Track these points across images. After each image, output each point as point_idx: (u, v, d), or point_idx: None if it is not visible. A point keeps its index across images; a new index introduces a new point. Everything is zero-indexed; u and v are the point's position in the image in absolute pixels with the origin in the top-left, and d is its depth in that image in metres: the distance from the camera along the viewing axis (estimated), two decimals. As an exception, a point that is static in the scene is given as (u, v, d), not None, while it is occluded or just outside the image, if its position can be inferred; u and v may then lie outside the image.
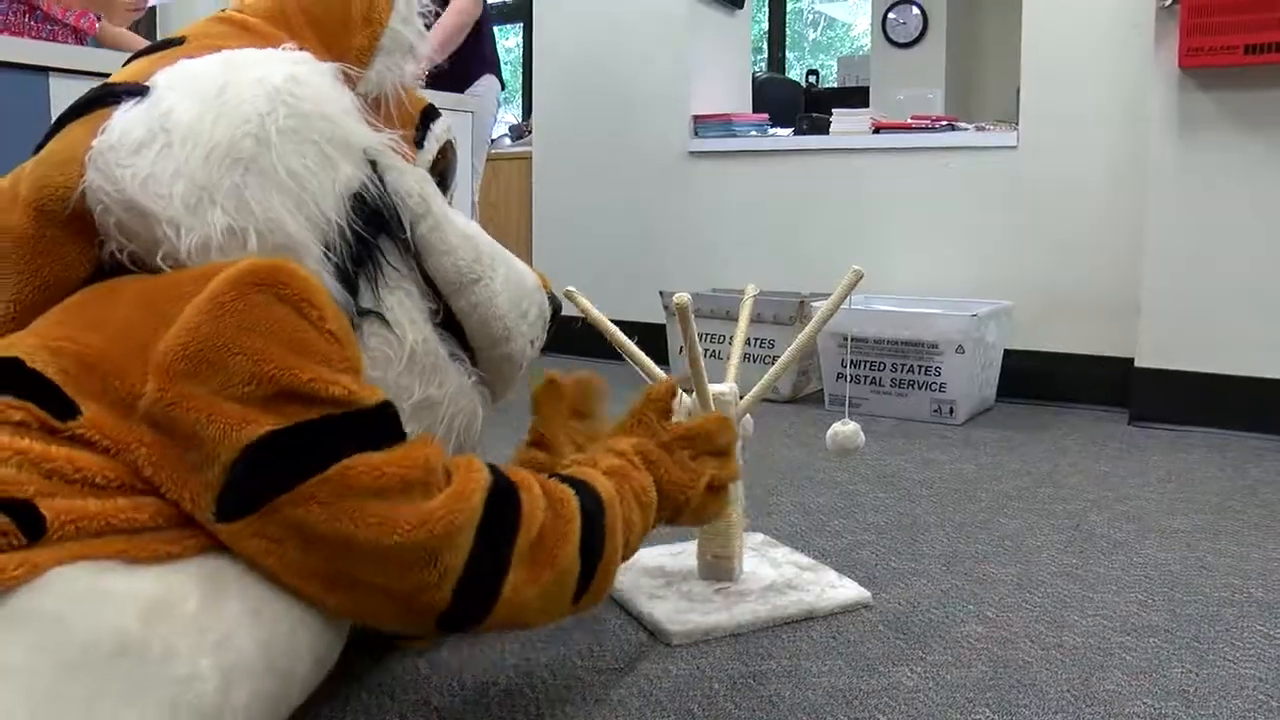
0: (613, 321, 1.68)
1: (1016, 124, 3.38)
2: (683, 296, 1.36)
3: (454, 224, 1.20)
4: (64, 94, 1.93)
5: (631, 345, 1.67)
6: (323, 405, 0.92)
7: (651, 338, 3.46)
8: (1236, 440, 2.74)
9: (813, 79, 8.47)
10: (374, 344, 1.08)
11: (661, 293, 3.61)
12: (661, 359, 3.54)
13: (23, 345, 0.94)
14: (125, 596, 0.85)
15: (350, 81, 1.15)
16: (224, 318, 0.90)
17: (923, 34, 7.60)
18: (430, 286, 1.18)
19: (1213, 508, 2.16)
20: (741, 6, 4.29)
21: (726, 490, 1.37)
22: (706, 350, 3.43)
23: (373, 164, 1.11)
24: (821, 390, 3.33)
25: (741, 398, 1.63)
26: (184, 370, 0.90)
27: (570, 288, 1.65)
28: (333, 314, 0.96)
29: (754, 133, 3.96)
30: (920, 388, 3.04)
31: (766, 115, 4.10)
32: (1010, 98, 4.94)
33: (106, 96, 1.07)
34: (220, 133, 0.99)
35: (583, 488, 1.12)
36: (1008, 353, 3.26)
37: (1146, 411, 2.98)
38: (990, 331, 3.09)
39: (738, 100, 4.33)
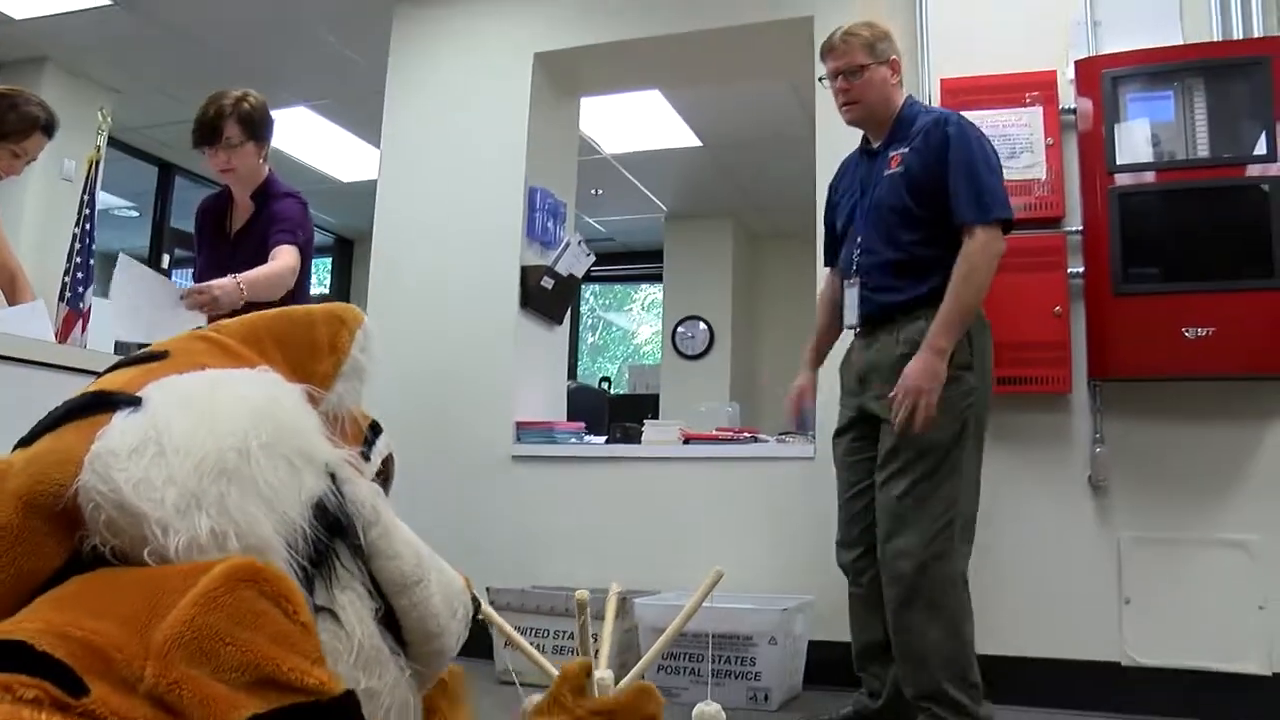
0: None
1: (804, 434, 3.83)
2: (583, 593, 1.59)
3: (400, 531, 1.35)
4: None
5: (534, 651, 1.84)
6: (298, 693, 1.03)
7: (475, 634, 3.59)
8: (1035, 717, 3.09)
9: (605, 385, 9.04)
10: (326, 638, 1.18)
11: (488, 589, 3.77)
12: (486, 654, 3.67)
13: (25, 630, 1.02)
14: None
15: (314, 401, 1.33)
16: (215, 611, 1.02)
17: (709, 347, 8.32)
18: (374, 586, 1.30)
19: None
20: (560, 323, 4.72)
21: None
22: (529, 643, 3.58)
23: (332, 476, 1.25)
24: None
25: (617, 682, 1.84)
26: (180, 656, 0.99)
27: (486, 607, 1.83)
28: (304, 608, 1.09)
29: (573, 440, 4.29)
30: (736, 677, 3.28)
31: (583, 424, 4.46)
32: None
33: (101, 403, 1.20)
34: (209, 446, 1.13)
35: None
36: (812, 643, 3.55)
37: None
38: (798, 624, 3.39)
39: (555, 407, 4.68)
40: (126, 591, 1.07)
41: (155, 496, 1.08)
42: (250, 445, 1.15)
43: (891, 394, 2.68)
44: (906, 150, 2.85)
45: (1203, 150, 3.28)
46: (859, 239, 2.94)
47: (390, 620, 1.32)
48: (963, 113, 2.94)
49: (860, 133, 3.08)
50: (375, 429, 1.49)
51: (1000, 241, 2.74)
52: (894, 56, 2.95)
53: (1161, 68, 3.38)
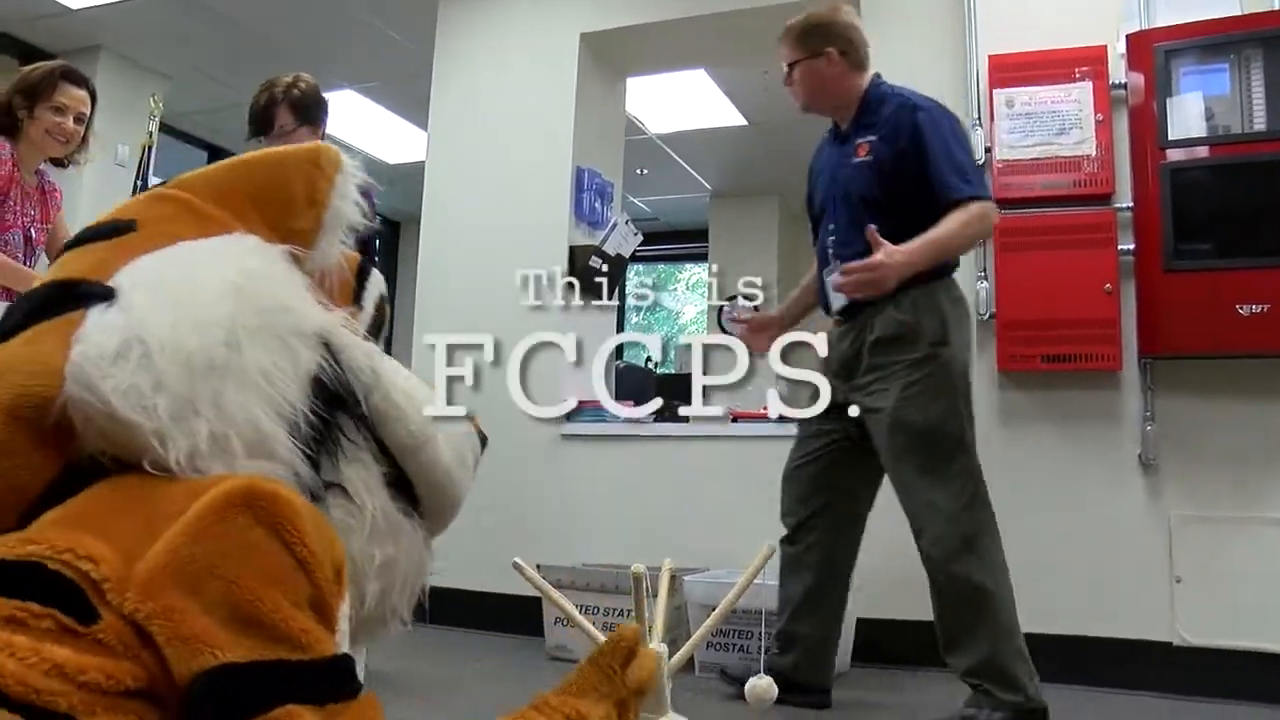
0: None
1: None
2: (639, 567, 1.61)
3: (399, 388, 1.25)
4: None
5: (594, 630, 1.87)
6: (280, 644, 0.93)
7: (527, 611, 3.64)
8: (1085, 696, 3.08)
9: (650, 364, 9.04)
10: (338, 515, 1.13)
11: (539, 566, 3.80)
12: (537, 630, 3.72)
13: (36, 550, 0.95)
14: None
15: (298, 261, 1.22)
16: (204, 541, 0.93)
17: (755, 327, 8.25)
18: (381, 449, 1.23)
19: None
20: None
21: None
22: (583, 620, 3.62)
23: (326, 345, 1.16)
24: (692, 658, 3.53)
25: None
26: (161, 585, 0.91)
27: (517, 559, 1.86)
28: (307, 533, 0.99)
29: (621, 418, 4.32)
30: (785, 654, 3.29)
31: (632, 402, 4.47)
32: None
33: (71, 297, 1.10)
34: (194, 342, 1.04)
35: None
36: (859, 621, 3.57)
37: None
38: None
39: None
40: (125, 513, 1.00)
41: (147, 404, 1.02)
42: (238, 334, 1.08)
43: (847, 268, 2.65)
44: (875, 139, 2.83)
45: (1259, 124, 3.24)
46: (831, 226, 2.94)
47: (401, 480, 1.26)
48: (1013, 89, 2.94)
49: None
50: (363, 271, 1.40)
51: (996, 215, 2.75)
52: (828, 49, 2.91)
53: (1217, 39, 3.34)
